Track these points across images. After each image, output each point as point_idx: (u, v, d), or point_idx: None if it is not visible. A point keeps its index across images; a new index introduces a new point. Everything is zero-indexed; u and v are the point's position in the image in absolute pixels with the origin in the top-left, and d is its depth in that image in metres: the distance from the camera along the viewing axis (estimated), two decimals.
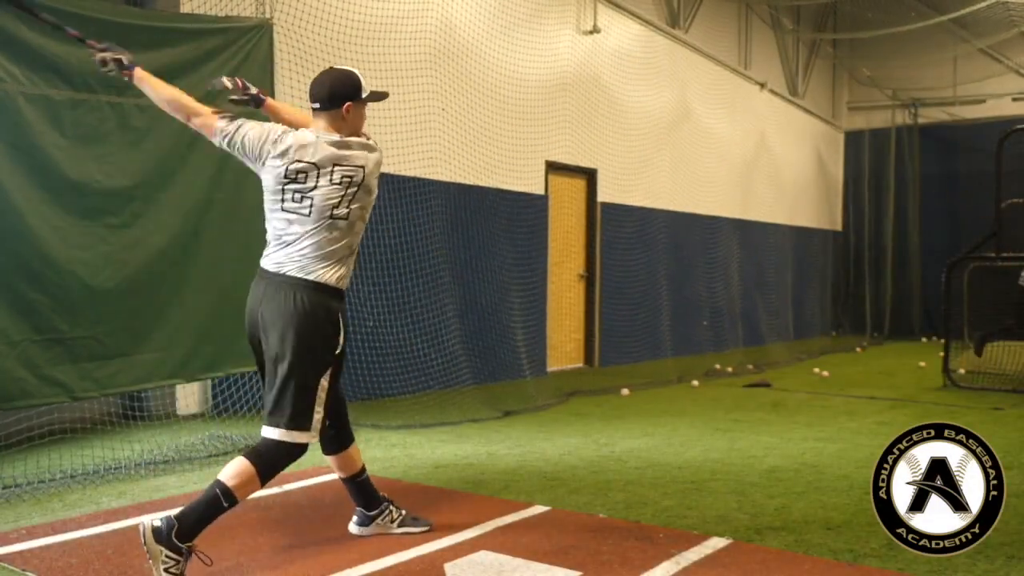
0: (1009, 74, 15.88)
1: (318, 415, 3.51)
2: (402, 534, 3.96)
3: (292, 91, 7.05)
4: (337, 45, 7.50)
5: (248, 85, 3.96)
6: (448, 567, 3.54)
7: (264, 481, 3.46)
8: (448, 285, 8.81)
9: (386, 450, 5.84)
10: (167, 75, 5.63)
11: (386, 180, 8.04)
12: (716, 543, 3.90)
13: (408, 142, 8.22)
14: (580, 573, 3.51)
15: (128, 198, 5.51)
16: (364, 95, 3.69)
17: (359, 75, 3.71)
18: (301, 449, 3.52)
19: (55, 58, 5.14)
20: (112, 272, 5.41)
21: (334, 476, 4.94)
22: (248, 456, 3.45)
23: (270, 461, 3.47)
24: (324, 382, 3.52)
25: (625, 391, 8.88)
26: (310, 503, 4.55)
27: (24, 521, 4.17)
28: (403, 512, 4.03)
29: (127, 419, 6.10)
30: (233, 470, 3.40)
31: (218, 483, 3.38)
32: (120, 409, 6.27)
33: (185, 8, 6.62)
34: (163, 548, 3.25)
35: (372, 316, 7.89)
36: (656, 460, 5.65)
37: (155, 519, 3.29)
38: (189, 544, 3.30)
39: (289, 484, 4.87)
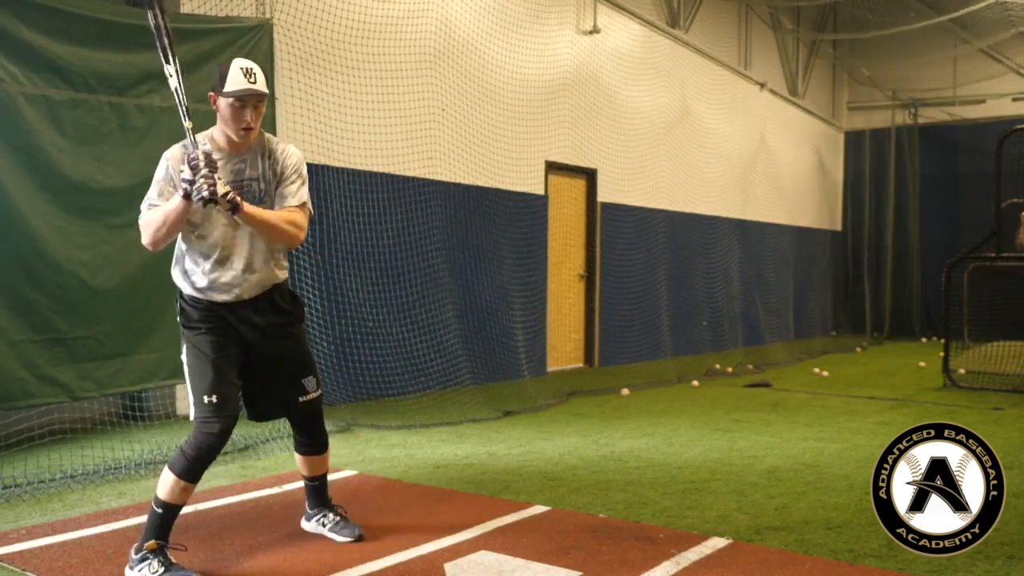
0: (1009, 74, 15.89)
1: (192, 396, 3.51)
2: (331, 537, 3.92)
3: (292, 91, 7.06)
4: (336, 45, 7.51)
5: (203, 182, 3.21)
6: (448, 567, 3.54)
7: (183, 476, 3.43)
8: (448, 285, 8.81)
9: (386, 450, 5.84)
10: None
11: (385, 180, 8.06)
12: (716, 543, 3.90)
13: (408, 142, 8.22)
14: (580, 573, 3.51)
15: (128, 198, 5.51)
16: (227, 88, 3.39)
17: (234, 68, 3.39)
18: (200, 431, 3.45)
19: (55, 58, 5.15)
20: (112, 272, 5.41)
21: (334, 476, 4.95)
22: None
23: (175, 455, 3.49)
24: (183, 359, 3.58)
25: (625, 391, 8.88)
26: (304, 503, 4.54)
27: (24, 521, 4.17)
28: (338, 518, 3.99)
29: (127, 419, 6.10)
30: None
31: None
32: (120, 409, 6.27)
33: (185, 8, 6.62)
34: (132, 571, 3.40)
35: (371, 317, 7.89)
36: (656, 460, 5.65)
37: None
38: (150, 544, 3.39)
39: (289, 484, 4.87)
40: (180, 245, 3.58)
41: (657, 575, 3.51)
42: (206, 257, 3.52)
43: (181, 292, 3.62)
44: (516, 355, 9.63)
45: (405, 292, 8.23)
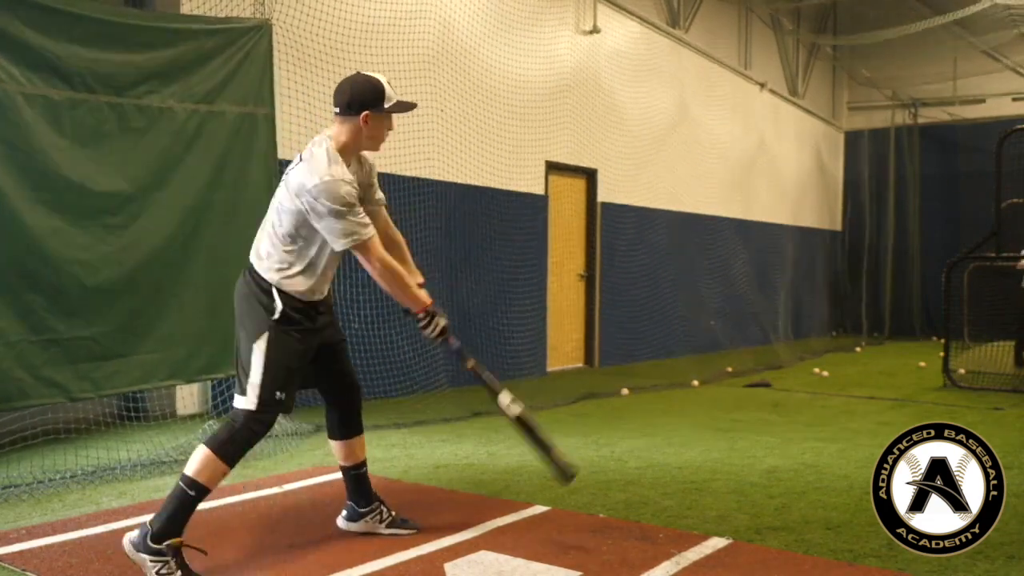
0: (1009, 74, 15.89)
1: (254, 382, 3.46)
2: (390, 535, 3.95)
3: (291, 91, 7.06)
4: (336, 45, 7.50)
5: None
6: (448, 567, 3.54)
7: (227, 460, 3.44)
8: (449, 285, 8.81)
9: (386, 450, 5.84)
10: (167, 75, 5.71)
11: (387, 180, 8.05)
12: (716, 543, 3.90)
13: (408, 142, 8.21)
14: (580, 573, 3.50)
15: (127, 199, 5.51)
16: (388, 105, 3.61)
17: (385, 84, 3.63)
18: (247, 418, 3.46)
19: (54, 58, 5.14)
20: (110, 272, 5.41)
21: (334, 476, 4.95)
22: (204, 442, 3.49)
23: (223, 438, 3.46)
24: (258, 351, 3.48)
25: (624, 391, 8.87)
26: (310, 503, 4.55)
27: (24, 521, 4.17)
28: (393, 514, 4.03)
29: (127, 420, 6.10)
30: (192, 459, 3.44)
31: (181, 475, 3.43)
32: (118, 410, 6.27)
33: (185, 8, 6.61)
34: (144, 555, 3.31)
35: (358, 318, 7.88)
36: (656, 460, 5.65)
37: (130, 532, 3.38)
38: (171, 542, 3.32)
39: (289, 484, 4.87)
40: (287, 254, 3.54)
41: (657, 575, 3.51)
42: (316, 268, 3.58)
43: (280, 289, 3.54)
44: (516, 355, 9.63)
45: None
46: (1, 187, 4.90)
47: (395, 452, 5.79)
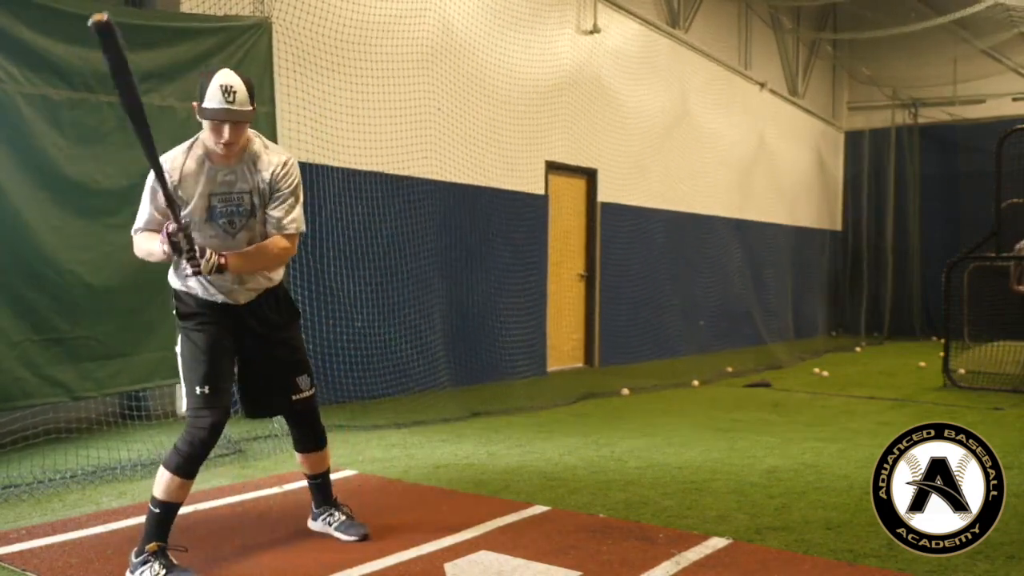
0: (1009, 74, 15.88)
1: (182, 385, 3.50)
2: (343, 540, 3.91)
3: (290, 89, 7.06)
4: (335, 43, 7.50)
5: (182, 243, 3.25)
6: (448, 567, 3.54)
7: (175, 471, 3.42)
8: (448, 285, 8.81)
9: (386, 450, 5.84)
10: (167, 74, 5.71)
11: (386, 180, 8.06)
12: (716, 543, 3.90)
13: (406, 141, 8.21)
14: (580, 573, 3.50)
15: (128, 198, 5.49)
16: (204, 103, 3.32)
17: (217, 84, 3.30)
18: (187, 423, 3.47)
19: (54, 58, 5.15)
20: (112, 272, 5.41)
21: (333, 477, 4.96)
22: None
23: (169, 451, 3.48)
24: (178, 355, 3.55)
25: (625, 391, 8.88)
26: (310, 503, 4.54)
27: (24, 521, 4.17)
28: (342, 518, 3.98)
29: (127, 419, 6.10)
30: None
31: None
32: (119, 409, 6.27)
33: (184, 7, 6.61)
34: (135, 573, 3.38)
35: (362, 317, 7.88)
36: (656, 460, 5.65)
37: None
38: (151, 546, 3.37)
39: (289, 484, 4.87)
40: None
41: (657, 575, 3.51)
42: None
43: (175, 289, 3.63)
44: (516, 355, 9.63)
45: (408, 292, 8.23)
46: (2, 187, 4.90)
47: (395, 452, 5.80)
